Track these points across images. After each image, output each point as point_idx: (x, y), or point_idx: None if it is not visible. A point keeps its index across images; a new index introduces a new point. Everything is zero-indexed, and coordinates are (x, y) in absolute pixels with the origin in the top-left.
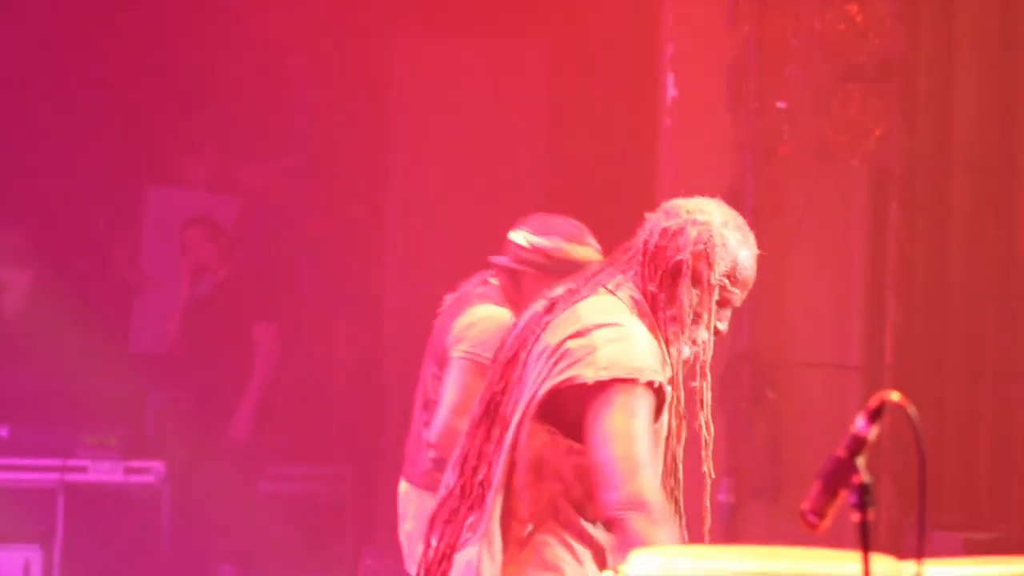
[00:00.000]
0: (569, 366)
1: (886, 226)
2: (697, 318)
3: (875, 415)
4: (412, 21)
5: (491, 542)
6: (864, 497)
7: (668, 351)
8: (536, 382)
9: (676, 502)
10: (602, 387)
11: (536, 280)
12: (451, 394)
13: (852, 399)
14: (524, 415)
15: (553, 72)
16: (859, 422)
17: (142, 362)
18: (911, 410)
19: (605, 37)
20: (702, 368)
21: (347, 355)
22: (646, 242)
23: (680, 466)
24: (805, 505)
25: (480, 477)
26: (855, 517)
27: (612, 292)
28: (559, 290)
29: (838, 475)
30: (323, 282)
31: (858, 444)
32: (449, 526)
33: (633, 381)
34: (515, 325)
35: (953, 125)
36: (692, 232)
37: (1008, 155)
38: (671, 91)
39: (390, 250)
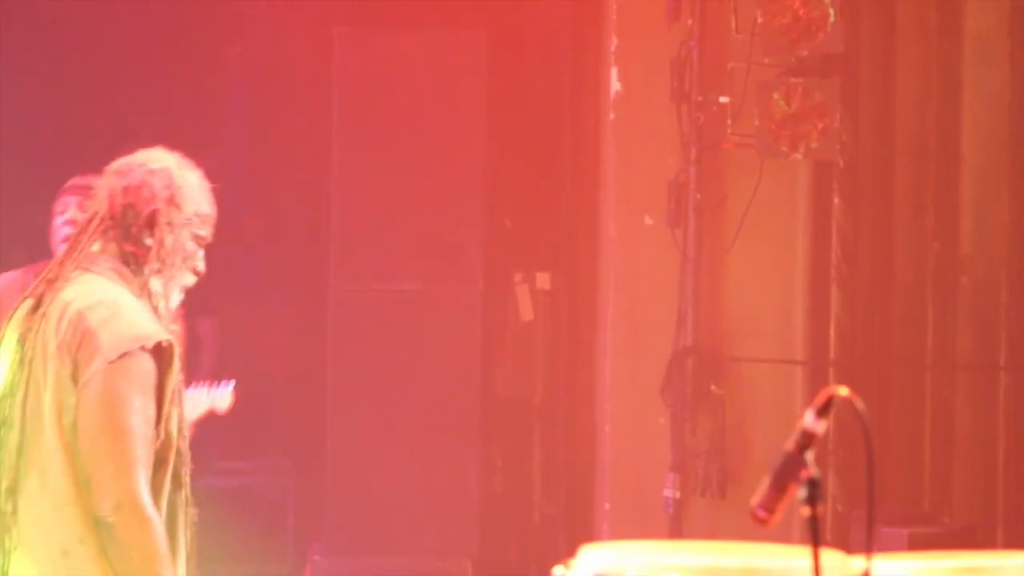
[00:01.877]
0: (88, 360)
1: (829, 220)
2: (181, 263)
3: (823, 410)
4: (350, 13)
5: None
6: (814, 492)
7: (159, 306)
8: (57, 383)
9: (180, 453)
10: (110, 369)
11: None
12: None
13: (797, 393)
14: (63, 420)
15: (492, 65)
16: (808, 417)
17: None
18: (859, 404)
19: (546, 29)
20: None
21: (288, 349)
22: (110, 206)
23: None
24: (755, 501)
25: None
26: (805, 512)
27: (90, 270)
28: (38, 285)
29: (787, 470)
30: (263, 275)
31: (807, 439)
32: None
33: (140, 349)
34: (2, 328)
35: (896, 118)
36: (155, 181)
37: (949, 147)
38: (615, 85)
39: (333, 242)
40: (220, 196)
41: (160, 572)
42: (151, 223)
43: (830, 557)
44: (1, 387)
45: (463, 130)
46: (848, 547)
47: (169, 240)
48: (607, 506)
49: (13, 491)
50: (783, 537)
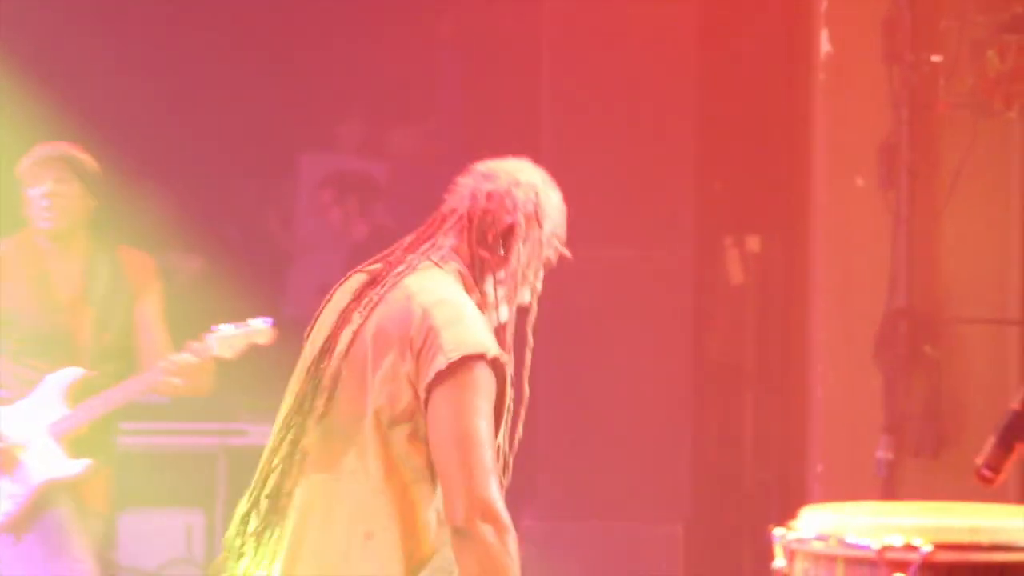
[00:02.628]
0: (430, 359)
1: None
2: (524, 280)
3: None
4: None
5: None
6: None
7: (491, 316)
8: (391, 375)
9: (507, 467)
10: (452, 371)
11: None
12: None
13: (1012, 354)
14: (382, 412)
15: (703, 29)
16: None
17: (299, 325)
18: None
19: None
20: (529, 334)
21: None
22: (471, 207)
23: (516, 436)
24: (980, 460)
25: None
26: None
27: (437, 266)
28: (377, 263)
29: (1014, 430)
30: None
31: None
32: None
33: (481, 357)
34: (330, 295)
35: None
36: (519, 193)
37: None
38: (825, 46)
39: None
40: (435, 169)
41: None
42: (508, 234)
43: None
44: (313, 354)
45: (673, 95)
46: None
47: (523, 254)
48: (819, 468)
49: (304, 453)
50: (999, 499)
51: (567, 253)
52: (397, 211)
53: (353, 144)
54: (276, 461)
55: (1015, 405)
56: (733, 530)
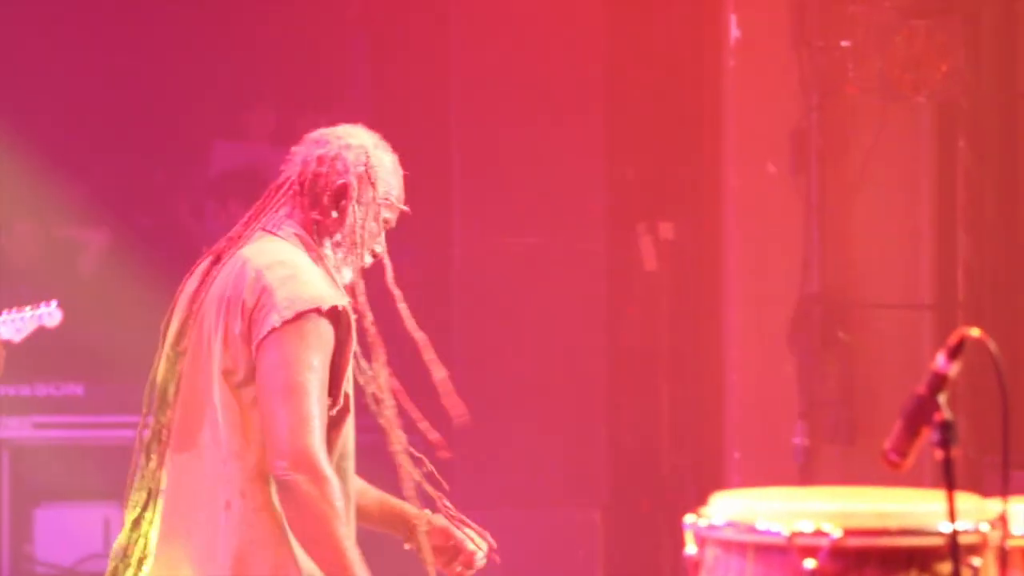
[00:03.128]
0: (263, 318)
1: (955, 162)
2: (362, 241)
3: (955, 351)
4: None
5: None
6: (947, 434)
7: (335, 278)
8: (228, 338)
9: (378, 409)
10: (283, 326)
11: None
12: None
13: (925, 338)
14: (229, 376)
15: (611, 14)
16: (939, 359)
17: None
18: (992, 345)
19: None
20: (393, 288)
21: (412, 306)
22: (302, 172)
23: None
24: (887, 444)
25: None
26: (938, 455)
27: (273, 232)
28: (220, 242)
29: (919, 413)
30: (387, 236)
31: (939, 381)
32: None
33: (316, 311)
34: (184, 284)
35: (1018, 56)
36: (350, 155)
37: None
38: (734, 32)
39: (455, 198)
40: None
41: (338, 530)
42: (340, 195)
43: (966, 500)
44: (169, 341)
45: (583, 82)
46: (982, 492)
47: (356, 215)
48: (736, 455)
49: (164, 441)
50: (914, 483)
51: (406, 209)
52: None
53: (264, 132)
54: (144, 453)
55: (920, 389)
56: (651, 516)
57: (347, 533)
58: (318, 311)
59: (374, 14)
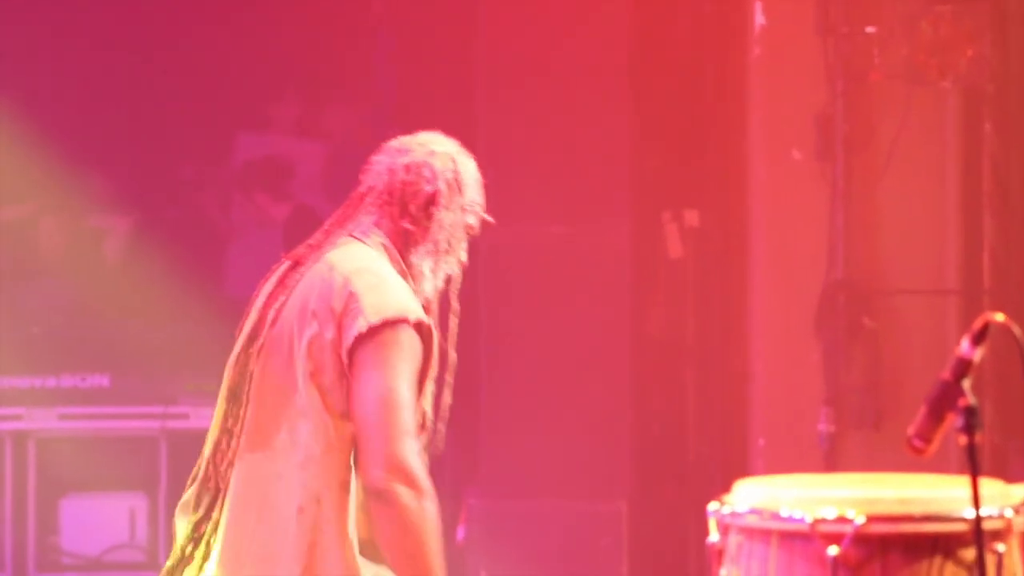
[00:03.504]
0: (350, 323)
1: (980, 147)
2: (449, 248)
3: (980, 337)
4: None
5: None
6: (971, 420)
7: (419, 288)
8: (315, 342)
9: (431, 433)
10: (372, 334)
11: None
12: None
13: (950, 324)
14: (316, 378)
15: (636, 4)
16: (964, 344)
17: (239, 306)
18: (1016, 330)
19: None
20: (453, 300)
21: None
22: (389, 181)
23: (441, 401)
24: (911, 430)
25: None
26: (962, 440)
27: (360, 240)
28: (301, 248)
29: (944, 399)
30: None
31: (963, 367)
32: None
33: (403, 321)
34: (260, 287)
35: None
36: (436, 163)
37: None
38: (759, 19)
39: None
40: (371, 150)
41: (432, 545)
42: (431, 203)
43: (990, 486)
44: (242, 342)
45: (608, 70)
46: (1007, 478)
47: (447, 223)
48: (761, 442)
49: (244, 445)
50: (940, 469)
51: (490, 219)
52: (333, 191)
53: (288, 125)
54: (211, 451)
55: (945, 375)
56: (676, 506)
57: (437, 549)
58: (406, 321)
59: (398, 4)
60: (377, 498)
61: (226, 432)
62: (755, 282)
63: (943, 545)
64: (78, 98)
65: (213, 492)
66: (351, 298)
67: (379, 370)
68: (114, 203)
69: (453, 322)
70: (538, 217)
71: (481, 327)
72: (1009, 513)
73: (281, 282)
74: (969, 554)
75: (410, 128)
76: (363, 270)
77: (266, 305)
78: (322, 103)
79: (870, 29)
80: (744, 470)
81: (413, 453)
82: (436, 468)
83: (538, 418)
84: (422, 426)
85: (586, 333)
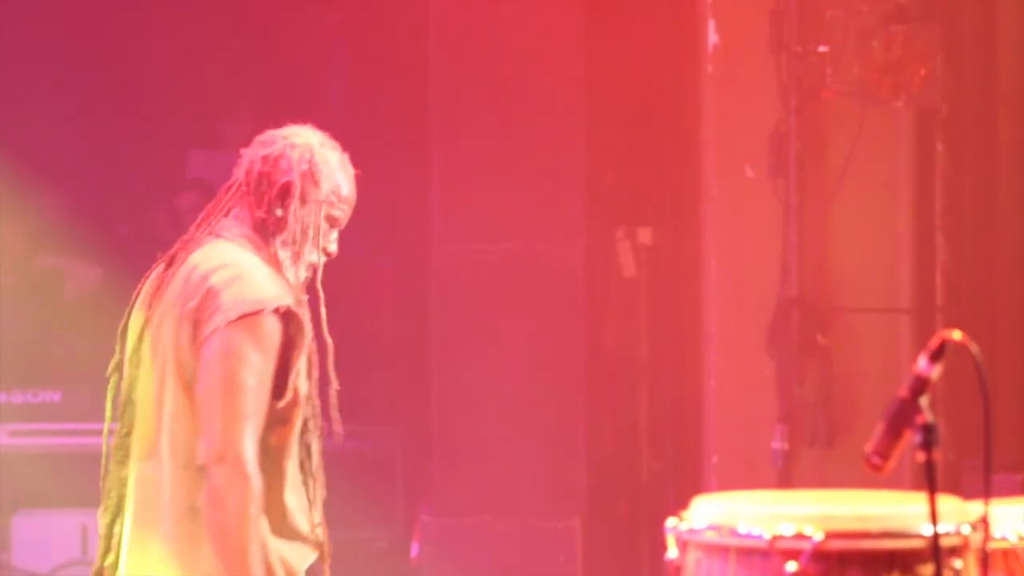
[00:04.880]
0: (208, 320)
1: (933, 167)
2: (306, 239)
3: (937, 354)
4: None
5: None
6: (929, 437)
7: (285, 277)
8: (180, 344)
9: (315, 426)
10: (230, 328)
11: None
12: None
13: (903, 342)
14: (177, 378)
15: (590, 20)
16: (921, 362)
17: None
18: (973, 348)
19: None
20: (320, 289)
21: (392, 312)
22: (247, 172)
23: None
24: (869, 447)
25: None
26: (920, 457)
27: (220, 236)
28: (174, 247)
29: (901, 416)
30: (366, 242)
31: (921, 384)
32: None
33: (261, 312)
34: (139, 289)
35: (998, 62)
36: (294, 154)
37: None
38: (713, 37)
39: (434, 204)
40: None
41: (248, 532)
42: (284, 194)
43: (947, 502)
44: (128, 350)
45: (562, 87)
46: (961, 496)
47: (300, 213)
48: (715, 460)
49: (135, 453)
50: (894, 486)
51: (346, 209)
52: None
53: (241, 141)
54: (113, 461)
55: (902, 392)
56: (630, 523)
57: (254, 536)
58: (262, 312)
59: (352, 21)
60: (201, 474)
61: (122, 440)
62: (708, 300)
63: (901, 561)
64: (30, 113)
65: (116, 500)
66: (208, 295)
67: (224, 355)
68: (66, 220)
69: (322, 311)
70: (492, 234)
71: (434, 343)
72: (966, 530)
73: (158, 285)
74: (927, 570)
75: (363, 144)
76: (221, 267)
77: (147, 307)
78: (274, 119)
79: (823, 48)
80: (698, 487)
81: (243, 437)
82: (388, 485)
83: (492, 435)
84: (294, 404)
85: (540, 350)
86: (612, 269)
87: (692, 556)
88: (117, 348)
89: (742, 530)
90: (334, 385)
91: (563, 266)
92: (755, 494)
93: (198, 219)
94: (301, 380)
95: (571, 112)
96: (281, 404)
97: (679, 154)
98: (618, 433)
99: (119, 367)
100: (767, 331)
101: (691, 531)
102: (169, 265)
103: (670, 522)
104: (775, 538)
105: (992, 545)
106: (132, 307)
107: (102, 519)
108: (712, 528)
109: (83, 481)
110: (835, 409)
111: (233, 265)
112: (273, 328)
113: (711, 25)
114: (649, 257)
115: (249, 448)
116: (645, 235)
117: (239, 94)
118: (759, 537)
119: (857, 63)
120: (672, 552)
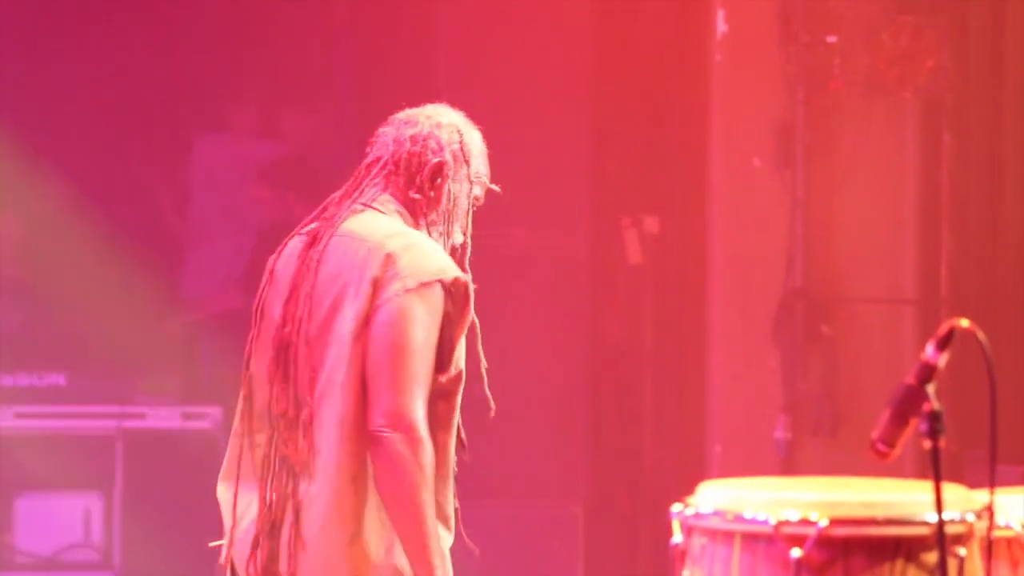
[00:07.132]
0: (385, 285)
1: (939, 158)
2: (455, 218)
3: (945, 342)
4: None
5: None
6: (935, 424)
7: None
8: (357, 314)
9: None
10: (408, 295)
11: None
12: None
13: (908, 333)
14: (350, 347)
15: (598, 8)
16: (928, 349)
17: (197, 308)
18: (981, 336)
19: None
20: (466, 268)
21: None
22: (395, 152)
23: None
24: (875, 434)
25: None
26: (926, 445)
27: (377, 209)
28: (312, 225)
29: (908, 403)
30: None
31: (928, 371)
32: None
33: (435, 283)
34: (273, 266)
35: (1005, 54)
36: (442, 134)
37: None
38: (721, 27)
39: None
40: (329, 152)
41: (422, 494)
42: (436, 174)
43: (953, 490)
44: (276, 325)
45: (569, 76)
46: (965, 486)
47: (452, 193)
48: (718, 448)
49: (307, 425)
50: (896, 475)
51: (496, 188)
52: (297, 194)
53: (247, 127)
54: (276, 434)
55: (909, 379)
56: (632, 511)
57: (429, 500)
58: (441, 283)
59: (360, 9)
60: (374, 443)
61: (282, 415)
62: (714, 289)
63: (905, 548)
64: (37, 98)
65: (276, 471)
66: (388, 261)
67: (394, 322)
68: (72, 204)
69: (471, 290)
70: (497, 221)
71: None
72: (971, 518)
73: (302, 261)
74: (931, 558)
75: (369, 132)
76: (395, 234)
77: (292, 289)
78: (281, 105)
79: (831, 39)
80: (700, 476)
81: (415, 402)
82: None
83: (495, 421)
84: (457, 379)
85: (544, 337)
86: (618, 257)
87: (697, 541)
88: (255, 323)
89: (747, 516)
90: (484, 363)
91: (569, 253)
92: (760, 480)
93: (338, 196)
94: (461, 357)
95: (578, 100)
96: (444, 379)
97: (686, 143)
98: (621, 421)
99: (252, 342)
100: (772, 321)
101: (696, 516)
102: (314, 242)
103: (675, 507)
104: (780, 524)
105: (996, 533)
106: (266, 284)
107: (267, 490)
108: (717, 514)
109: (87, 464)
110: (839, 399)
111: (404, 233)
112: (441, 300)
113: (720, 15)
114: (655, 245)
115: (420, 411)
116: (651, 223)
117: (245, 80)
118: (764, 523)
119: (865, 54)
120: (677, 537)
